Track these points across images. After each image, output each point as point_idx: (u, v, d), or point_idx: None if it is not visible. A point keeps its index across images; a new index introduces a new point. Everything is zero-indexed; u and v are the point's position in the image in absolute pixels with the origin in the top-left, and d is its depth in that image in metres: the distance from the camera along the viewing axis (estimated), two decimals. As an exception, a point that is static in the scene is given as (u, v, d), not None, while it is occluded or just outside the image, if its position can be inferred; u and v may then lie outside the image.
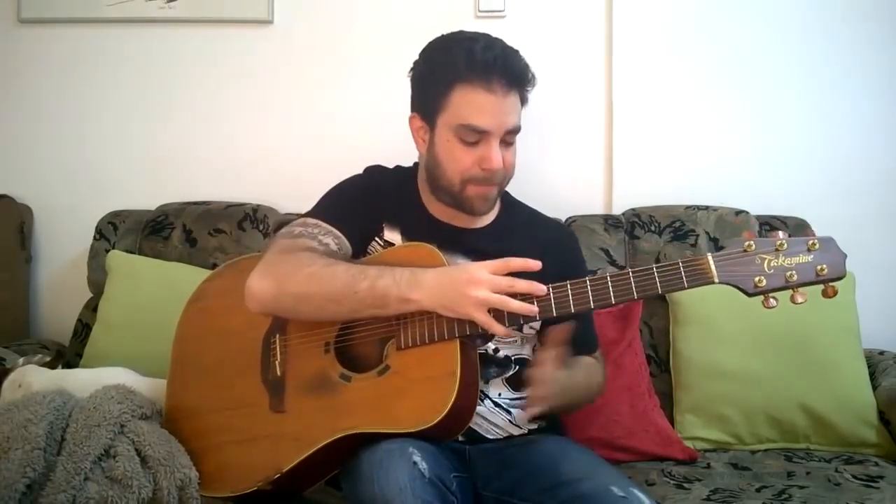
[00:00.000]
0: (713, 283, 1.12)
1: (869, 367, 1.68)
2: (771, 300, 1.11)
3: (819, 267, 1.08)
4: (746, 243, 1.11)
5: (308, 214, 1.38)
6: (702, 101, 1.94)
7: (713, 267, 1.11)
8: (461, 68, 1.28)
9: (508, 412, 1.35)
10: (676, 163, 1.95)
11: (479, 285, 1.14)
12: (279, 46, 2.00)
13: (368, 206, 1.39)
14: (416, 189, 1.44)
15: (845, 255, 1.09)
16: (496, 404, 1.35)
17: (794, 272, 1.09)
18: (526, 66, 1.32)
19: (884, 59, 1.91)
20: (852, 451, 1.59)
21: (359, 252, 1.37)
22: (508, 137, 1.32)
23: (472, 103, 1.28)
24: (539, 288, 1.15)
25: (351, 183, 1.44)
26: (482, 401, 1.33)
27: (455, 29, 1.38)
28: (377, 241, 1.39)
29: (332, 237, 1.33)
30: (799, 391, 1.61)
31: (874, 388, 1.64)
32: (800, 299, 1.10)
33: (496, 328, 1.15)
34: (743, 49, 1.93)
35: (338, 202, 1.40)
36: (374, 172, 1.47)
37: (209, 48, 2.01)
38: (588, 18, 1.95)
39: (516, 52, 1.33)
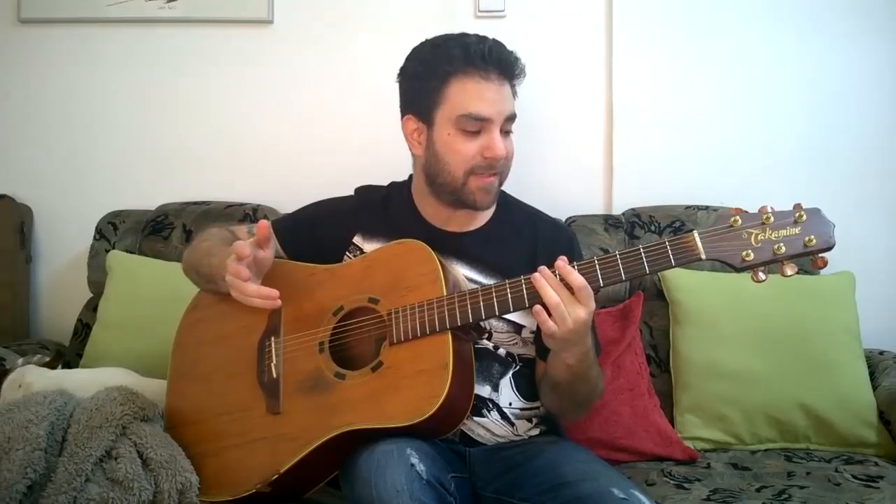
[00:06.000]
0: (700, 259, 1.11)
1: (869, 367, 1.68)
2: (760, 274, 1.10)
3: (807, 238, 1.07)
4: (732, 218, 1.11)
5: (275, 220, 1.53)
6: (701, 102, 1.94)
7: (699, 244, 1.11)
8: (458, 61, 1.31)
9: (512, 424, 1.35)
10: (676, 163, 1.95)
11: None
12: (279, 46, 2.00)
13: (332, 225, 1.45)
14: (410, 198, 1.45)
15: (833, 225, 1.08)
16: (503, 416, 1.34)
17: (781, 245, 1.08)
18: (517, 59, 1.36)
19: (882, 58, 1.91)
20: (852, 451, 1.59)
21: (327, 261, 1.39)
22: (507, 125, 1.35)
23: (470, 92, 1.30)
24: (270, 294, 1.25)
25: (320, 204, 1.52)
26: (490, 411, 1.33)
27: (455, 29, 1.38)
28: (348, 254, 1.42)
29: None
30: (799, 391, 1.61)
31: (874, 388, 1.64)
32: (789, 272, 1.08)
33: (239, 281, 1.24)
34: (742, 49, 1.93)
35: (298, 217, 1.53)
36: (362, 192, 1.51)
37: (209, 48, 2.01)
38: (588, 18, 1.95)
39: (505, 46, 1.37)
